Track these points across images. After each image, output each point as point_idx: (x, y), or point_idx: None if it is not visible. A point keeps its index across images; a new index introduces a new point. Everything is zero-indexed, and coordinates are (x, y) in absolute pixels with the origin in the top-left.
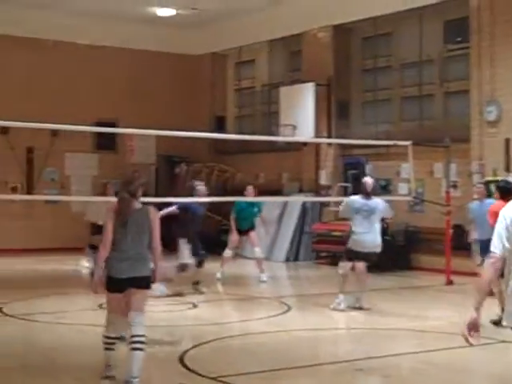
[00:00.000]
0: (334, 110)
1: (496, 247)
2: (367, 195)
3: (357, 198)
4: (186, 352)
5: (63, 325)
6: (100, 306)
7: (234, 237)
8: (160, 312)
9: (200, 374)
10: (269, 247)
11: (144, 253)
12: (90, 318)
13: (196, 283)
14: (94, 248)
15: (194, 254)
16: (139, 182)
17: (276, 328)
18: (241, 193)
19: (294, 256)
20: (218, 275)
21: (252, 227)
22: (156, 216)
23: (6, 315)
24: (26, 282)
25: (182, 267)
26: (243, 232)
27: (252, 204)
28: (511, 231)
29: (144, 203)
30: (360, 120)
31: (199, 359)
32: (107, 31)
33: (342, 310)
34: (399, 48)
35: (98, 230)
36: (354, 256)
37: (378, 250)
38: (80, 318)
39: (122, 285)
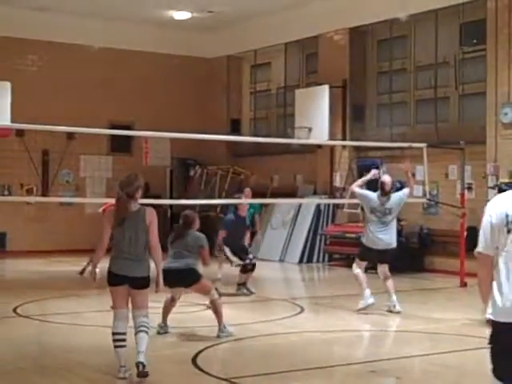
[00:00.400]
0: (349, 112)
1: (479, 245)
2: (385, 194)
3: (374, 197)
4: (199, 353)
5: (76, 326)
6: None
7: None
8: (174, 313)
9: (213, 375)
10: (283, 249)
11: (141, 253)
12: (103, 320)
13: (242, 284)
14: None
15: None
16: (138, 183)
17: (289, 330)
18: (255, 194)
19: (307, 258)
20: (219, 276)
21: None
22: (154, 216)
23: (20, 316)
24: (40, 283)
25: (244, 268)
26: None
27: (249, 204)
28: (495, 227)
29: (146, 204)
30: (375, 122)
31: (212, 360)
32: (123, 34)
33: (372, 304)
34: (415, 50)
35: None
36: (367, 253)
37: (392, 247)
38: (93, 319)
39: (120, 279)
